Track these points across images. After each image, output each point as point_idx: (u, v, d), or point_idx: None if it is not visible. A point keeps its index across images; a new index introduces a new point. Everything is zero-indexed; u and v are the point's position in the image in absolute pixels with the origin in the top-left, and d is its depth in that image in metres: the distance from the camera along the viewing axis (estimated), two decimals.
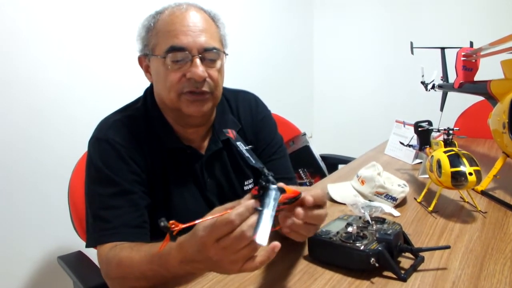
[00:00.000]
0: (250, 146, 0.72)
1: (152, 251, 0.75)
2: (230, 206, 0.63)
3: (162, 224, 0.57)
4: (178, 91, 0.94)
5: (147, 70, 1.02)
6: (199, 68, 0.92)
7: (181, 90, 0.94)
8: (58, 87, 1.63)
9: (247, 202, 0.61)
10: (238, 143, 0.72)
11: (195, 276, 0.77)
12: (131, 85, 1.34)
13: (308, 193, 0.71)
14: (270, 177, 0.63)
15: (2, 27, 1.46)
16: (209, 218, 0.62)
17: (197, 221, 0.62)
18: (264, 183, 0.63)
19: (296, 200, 0.69)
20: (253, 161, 0.69)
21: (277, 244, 0.60)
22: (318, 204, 0.73)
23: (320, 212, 0.73)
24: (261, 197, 0.63)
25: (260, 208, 0.60)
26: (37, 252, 1.62)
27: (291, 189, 0.68)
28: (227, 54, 1.02)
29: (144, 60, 1.02)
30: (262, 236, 0.55)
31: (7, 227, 1.51)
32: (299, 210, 0.69)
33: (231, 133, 0.75)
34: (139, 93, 1.09)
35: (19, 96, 1.52)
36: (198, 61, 0.92)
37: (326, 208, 0.77)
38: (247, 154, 0.70)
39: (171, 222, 0.57)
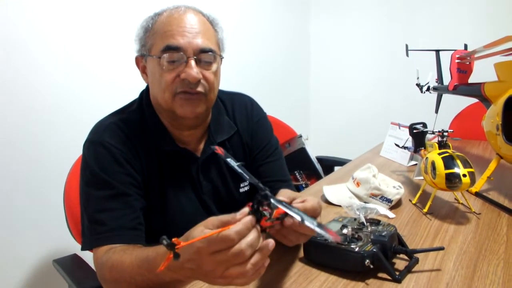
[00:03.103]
0: (241, 163, 0.72)
1: (142, 256, 0.75)
2: (225, 220, 0.62)
3: (164, 242, 0.54)
4: (172, 92, 0.95)
5: (143, 71, 1.03)
6: (194, 70, 0.92)
7: (175, 91, 0.94)
8: (55, 89, 1.62)
9: (246, 219, 0.61)
10: (229, 160, 0.72)
11: (183, 283, 0.77)
12: (129, 87, 1.34)
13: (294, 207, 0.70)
14: (267, 192, 0.63)
15: (1, 28, 1.46)
16: (207, 232, 0.60)
17: (199, 238, 0.60)
18: (260, 198, 0.63)
19: (287, 216, 0.68)
20: (247, 177, 0.69)
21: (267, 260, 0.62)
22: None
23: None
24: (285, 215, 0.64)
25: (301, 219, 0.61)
26: (32, 255, 1.62)
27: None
28: (223, 57, 1.02)
29: (141, 61, 1.02)
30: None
31: (2, 229, 1.51)
32: (288, 220, 0.69)
33: (219, 150, 0.75)
34: (137, 94, 1.09)
35: (15, 98, 1.51)
36: (193, 62, 0.93)
37: (319, 219, 0.77)
38: (239, 170, 0.70)
39: (174, 239, 0.55)
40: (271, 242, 0.62)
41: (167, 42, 0.92)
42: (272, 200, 0.63)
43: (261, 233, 0.64)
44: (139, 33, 1.00)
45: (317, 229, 0.59)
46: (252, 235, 0.61)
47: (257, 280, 0.81)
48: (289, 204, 0.66)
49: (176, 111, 0.97)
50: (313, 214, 0.77)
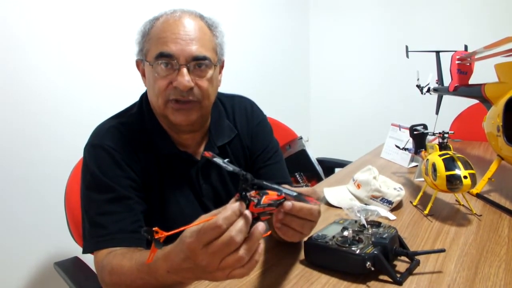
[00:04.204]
0: (227, 159, 0.72)
1: (142, 260, 0.75)
2: (216, 212, 0.63)
3: (144, 232, 0.56)
4: (165, 98, 0.95)
5: (143, 74, 1.03)
6: (185, 78, 0.92)
7: (168, 98, 0.94)
8: (56, 91, 1.63)
9: (233, 205, 0.61)
10: (215, 159, 0.72)
11: (184, 285, 0.77)
12: (129, 89, 1.34)
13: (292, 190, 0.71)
14: (248, 176, 0.64)
15: (0, 30, 1.46)
16: (195, 224, 0.62)
17: (181, 228, 0.61)
18: (243, 185, 0.64)
19: (282, 203, 0.69)
20: (231, 168, 0.69)
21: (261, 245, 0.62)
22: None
23: (307, 206, 0.73)
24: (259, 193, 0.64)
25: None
26: (34, 258, 1.62)
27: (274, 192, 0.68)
28: (219, 64, 1.01)
29: (140, 64, 1.02)
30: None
31: (4, 232, 1.51)
32: (287, 203, 0.69)
33: (207, 154, 0.75)
34: (138, 97, 1.09)
35: (16, 100, 1.51)
36: (184, 70, 0.92)
37: (319, 205, 0.77)
38: (224, 165, 0.71)
39: (155, 228, 0.57)
40: (260, 224, 0.62)
41: (160, 49, 0.92)
42: (255, 181, 0.64)
43: (255, 221, 0.64)
44: (138, 37, 1.00)
45: (296, 196, 0.64)
46: (241, 221, 0.61)
47: (258, 282, 0.81)
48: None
49: (169, 117, 0.97)
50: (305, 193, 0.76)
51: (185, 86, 0.92)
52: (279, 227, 0.74)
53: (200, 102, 0.97)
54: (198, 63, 0.94)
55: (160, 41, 0.93)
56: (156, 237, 0.57)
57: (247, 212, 0.62)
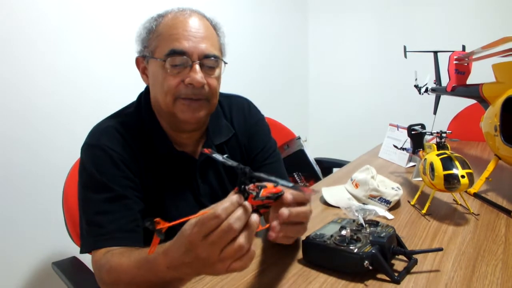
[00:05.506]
0: (226, 155, 0.73)
1: (141, 257, 0.75)
2: (214, 206, 0.63)
3: (147, 223, 0.57)
4: (174, 96, 0.95)
5: (143, 72, 1.02)
6: (198, 74, 0.92)
7: (178, 95, 0.94)
8: (54, 91, 1.62)
9: (232, 197, 0.62)
10: (215, 155, 0.73)
11: (183, 282, 0.77)
12: (127, 90, 1.33)
13: (288, 191, 0.72)
14: (247, 170, 0.64)
15: (4, 28, 1.46)
16: (195, 216, 0.62)
17: (182, 219, 0.61)
18: (242, 178, 0.64)
19: (280, 197, 0.70)
20: (230, 163, 0.69)
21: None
22: (300, 202, 0.74)
23: (303, 210, 0.74)
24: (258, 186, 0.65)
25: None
26: (32, 258, 1.61)
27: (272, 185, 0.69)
28: (226, 63, 1.02)
29: (142, 62, 1.02)
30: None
31: (1, 232, 1.50)
32: (284, 210, 0.70)
33: (206, 151, 0.76)
34: (137, 96, 1.09)
35: (15, 100, 1.51)
36: (197, 67, 0.93)
37: (310, 205, 0.78)
38: (223, 160, 0.71)
39: (156, 219, 0.57)
40: (254, 215, 0.63)
41: (173, 46, 0.92)
42: (253, 174, 0.65)
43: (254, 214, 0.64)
44: (141, 33, 0.99)
45: (292, 189, 0.64)
46: (239, 211, 0.61)
47: (256, 281, 0.81)
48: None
49: (178, 115, 0.97)
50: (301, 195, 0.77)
51: (198, 83, 0.92)
52: (277, 237, 0.74)
53: (209, 100, 0.98)
54: (208, 61, 0.95)
55: (171, 38, 0.93)
56: (157, 227, 0.57)
57: (246, 203, 0.63)
